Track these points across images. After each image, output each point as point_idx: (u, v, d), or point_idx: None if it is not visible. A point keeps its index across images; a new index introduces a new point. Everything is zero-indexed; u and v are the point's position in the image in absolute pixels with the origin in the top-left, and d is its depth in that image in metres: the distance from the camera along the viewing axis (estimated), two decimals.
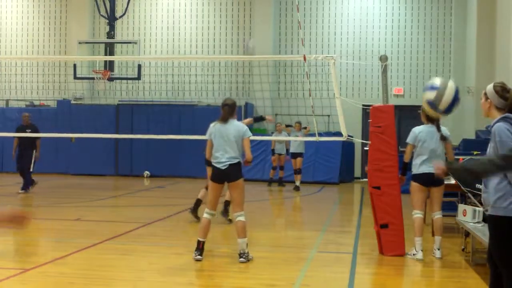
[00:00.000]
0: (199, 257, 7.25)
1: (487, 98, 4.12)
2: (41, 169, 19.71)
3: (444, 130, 7.68)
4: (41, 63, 21.45)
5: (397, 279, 6.96)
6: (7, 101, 21.23)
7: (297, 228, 10.58)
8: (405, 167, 7.76)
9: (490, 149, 3.98)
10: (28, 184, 14.28)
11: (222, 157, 7.24)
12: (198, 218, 9.88)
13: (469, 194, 8.15)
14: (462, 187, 8.14)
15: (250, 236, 8.06)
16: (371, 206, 7.95)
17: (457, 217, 7.90)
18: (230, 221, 9.92)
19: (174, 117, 19.14)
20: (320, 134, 9.81)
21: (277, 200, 14.86)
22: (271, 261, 7.33)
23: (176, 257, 7.58)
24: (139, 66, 17.98)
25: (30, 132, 13.52)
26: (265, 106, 18.16)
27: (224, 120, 7.34)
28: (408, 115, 18.46)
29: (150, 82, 20.07)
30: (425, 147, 7.49)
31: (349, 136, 9.32)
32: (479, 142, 12.43)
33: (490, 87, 4.14)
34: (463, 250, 7.97)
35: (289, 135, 16.51)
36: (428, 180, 7.44)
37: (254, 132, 18.41)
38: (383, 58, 8.39)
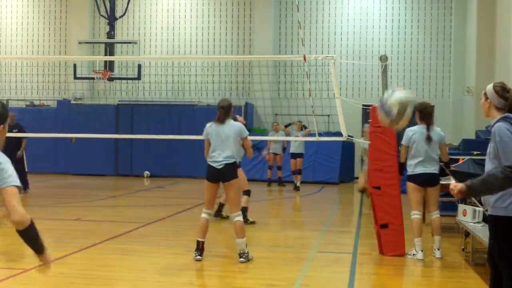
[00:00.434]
0: (199, 257, 7.25)
1: (487, 98, 4.12)
2: (42, 169, 19.75)
3: (437, 130, 7.67)
4: (41, 63, 21.45)
5: (397, 279, 6.96)
6: (7, 101, 21.19)
7: (297, 228, 10.58)
8: (401, 167, 7.78)
9: (490, 149, 3.97)
10: (26, 185, 14.05)
11: (219, 156, 7.26)
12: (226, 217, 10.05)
13: None
14: None
15: (250, 236, 8.06)
16: (371, 206, 7.95)
17: (457, 217, 7.90)
18: (226, 217, 10.00)
19: (174, 117, 19.14)
20: (320, 134, 9.81)
21: (277, 200, 14.86)
22: (271, 261, 7.33)
23: (176, 257, 7.58)
24: (139, 66, 17.98)
25: (16, 132, 13.25)
26: (265, 106, 18.15)
27: (220, 121, 7.37)
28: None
29: (150, 82, 20.07)
30: (419, 148, 7.49)
31: (349, 136, 9.32)
32: (479, 142, 12.41)
33: (490, 87, 4.13)
34: (463, 250, 7.97)
35: (288, 135, 16.49)
36: (424, 181, 7.50)
37: (254, 132, 18.46)
38: (383, 58, 8.39)
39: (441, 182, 9.13)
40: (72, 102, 20.39)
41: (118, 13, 18.99)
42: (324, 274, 6.80)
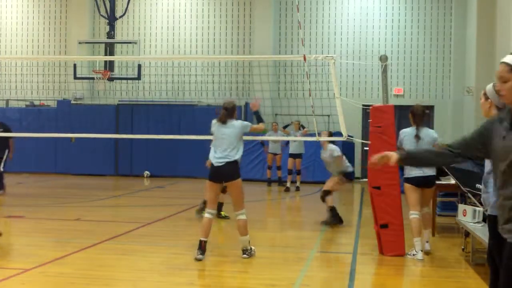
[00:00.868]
0: (200, 256, 7.27)
1: (487, 98, 4.12)
2: (42, 169, 19.76)
3: (430, 132, 7.85)
4: (41, 63, 21.44)
5: (397, 279, 6.96)
6: (7, 101, 21.23)
7: (297, 228, 10.58)
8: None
9: None
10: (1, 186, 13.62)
11: (220, 154, 7.35)
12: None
13: (469, 194, 8.15)
14: (462, 187, 8.14)
15: (250, 236, 8.05)
16: (371, 206, 7.95)
17: (457, 217, 7.90)
18: (224, 217, 10.10)
19: (174, 117, 19.13)
20: (320, 134, 9.80)
21: (277, 200, 14.86)
22: (271, 261, 7.33)
23: (176, 257, 7.58)
24: (139, 66, 17.98)
25: (2, 131, 13.06)
26: (265, 106, 18.13)
27: (222, 121, 7.48)
28: (408, 115, 18.41)
29: (150, 82, 20.06)
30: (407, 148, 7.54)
31: (349, 136, 9.32)
32: None
33: (490, 87, 4.14)
34: (463, 250, 7.97)
35: (287, 136, 16.46)
36: (420, 183, 7.64)
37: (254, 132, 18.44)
38: (383, 58, 8.39)
39: (441, 182, 9.16)
40: (72, 102, 20.38)
41: (118, 13, 18.99)
42: (324, 274, 6.80)
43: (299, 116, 16.71)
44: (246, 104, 19.32)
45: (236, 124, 7.50)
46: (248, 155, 17.42)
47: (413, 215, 7.66)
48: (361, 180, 19.01)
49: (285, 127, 16.86)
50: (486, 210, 4.23)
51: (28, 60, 22.17)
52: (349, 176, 8.48)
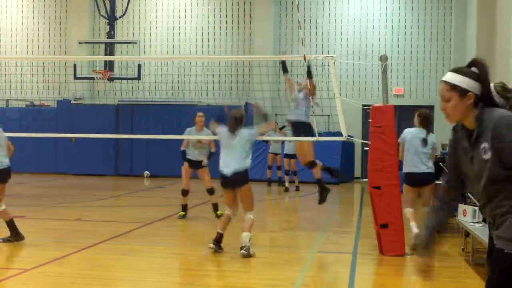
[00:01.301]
0: (212, 245, 7.53)
1: None
2: (42, 169, 19.76)
3: (434, 137, 8.13)
4: (41, 63, 21.44)
5: (397, 279, 6.96)
6: (7, 101, 21.23)
7: (297, 228, 10.57)
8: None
9: None
10: None
11: (230, 165, 7.50)
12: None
13: (469, 194, 8.15)
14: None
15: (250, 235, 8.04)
16: (371, 206, 7.95)
17: (457, 217, 7.90)
18: (220, 215, 10.08)
19: (174, 117, 19.11)
20: (320, 134, 9.80)
21: (277, 200, 14.86)
22: (271, 261, 7.33)
23: (176, 257, 7.58)
24: (139, 66, 17.98)
25: None
26: (265, 106, 18.08)
27: (232, 131, 7.63)
28: (408, 115, 18.40)
29: (150, 82, 20.06)
30: (409, 147, 7.93)
31: (349, 136, 9.32)
32: None
33: (491, 87, 4.12)
34: (463, 250, 7.97)
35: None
36: (415, 181, 7.92)
37: None
38: (383, 58, 8.39)
39: (441, 182, 9.11)
40: (72, 102, 20.38)
41: (118, 13, 18.99)
42: (324, 274, 6.80)
43: None
44: (246, 104, 19.31)
45: (244, 134, 7.64)
46: None
47: (407, 209, 8.02)
48: (361, 180, 19.01)
49: (281, 128, 16.78)
50: None
51: (28, 60, 22.17)
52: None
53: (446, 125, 19.90)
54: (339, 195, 15.87)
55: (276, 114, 19.53)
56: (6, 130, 8.71)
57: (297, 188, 15.90)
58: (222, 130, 7.71)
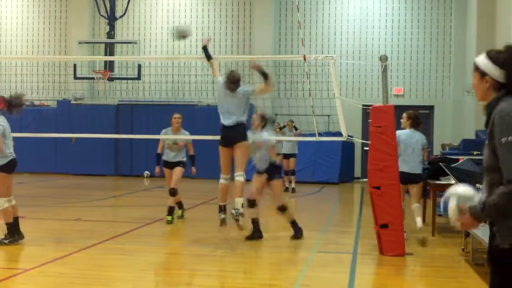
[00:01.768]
0: (223, 215, 7.83)
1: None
2: (42, 169, 19.76)
3: (422, 137, 8.74)
4: (41, 63, 21.43)
5: (397, 279, 6.96)
6: None
7: None
8: None
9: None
10: None
11: (229, 117, 7.87)
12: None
13: None
14: None
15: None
16: (371, 206, 7.95)
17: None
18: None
19: None
20: (320, 134, 9.80)
21: None
22: (271, 261, 7.34)
23: (175, 257, 7.58)
24: (139, 66, 17.98)
25: None
26: (265, 106, 18.11)
27: (230, 89, 8.11)
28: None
29: (150, 82, 20.05)
30: (402, 148, 8.39)
31: (349, 136, 9.32)
32: (479, 142, 12.42)
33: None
34: (463, 250, 7.97)
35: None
36: (404, 179, 8.28)
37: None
38: (383, 58, 8.39)
39: (441, 182, 9.19)
40: (72, 102, 20.39)
41: (118, 13, 18.98)
42: (324, 274, 6.80)
43: (299, 116, 16.70)
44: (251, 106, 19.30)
45: (241, 93, 8.02)
46: None
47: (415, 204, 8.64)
48: (361, 180, 19.01)
49: (280, 128, 16.73)
50: None
51: (28, 60, 22.16)
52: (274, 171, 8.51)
53: (445, 125, 19.77)
54: (339, 195, 15.87)
55: (276, 114, 19.55)
56: None
57: (293, 190, 15.63)
58: (221, 86, 8.16)
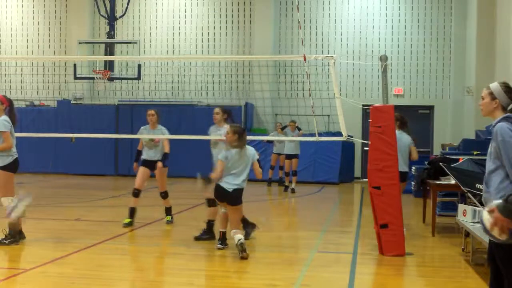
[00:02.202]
0: (219, 246, 7.74)
1: (494, 98, 4.04)
2: (42, 169, 19.75)
3: (408, 138, 9.35)
4: (41, 63, 21.44)
5: (397, 279, 6.96)
6: None
7: (297, 228, 10.58)
8: None
9: (491, 149, 3.96)
10: None
11: (233, 179, 7.47)
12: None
13: (469, 194, 8.15)
14: (462, 187, 8.14)
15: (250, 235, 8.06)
16: (371, 206, 7.95)
17: (457, 217, 7.90)
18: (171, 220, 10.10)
19: (174, 117, 19.10)
20: (320, 134, 9.80)
21: (277, 200, 14.85)
22: (271, 261, 7.33)
23: (175, 257, 7.58)
24: (139, 66, 17.97)
25: None
26: (265, 106, 18.17)
27: (241, 148, 7.54)
28: (408, 115, 18.40)
29: (150, 82, 20.06)
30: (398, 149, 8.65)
31: (349, 136, 9.32)
32: (479, 142, 12.44)
33: (496, 86, 4.08)
34: (463, 250, 7.97)
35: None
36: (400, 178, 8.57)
37: (254, 132, 18.45)
38: (383, 58, 8.39)
39: (441, 182, 9.19)
40: (72, 102, 20.38)
41: (118, 13, 18.97)
42: (324, 274, 6.80)
43: (299, 116, 16.71)
44: (246, 104, 19.33)
45: (249, 153, 7.61)
46: None
47: None
48: (361, 180, 19.01)
49: (282, 128, 16.73)
50: None
51: (28, 60, 22.16)
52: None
53: (445, 125, 19.82)
54: (339, 195, 15.87)
55: (276, 114, 19.56)
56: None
57: (293, 191, 15.52)
58: (229, 149, 7.60)
